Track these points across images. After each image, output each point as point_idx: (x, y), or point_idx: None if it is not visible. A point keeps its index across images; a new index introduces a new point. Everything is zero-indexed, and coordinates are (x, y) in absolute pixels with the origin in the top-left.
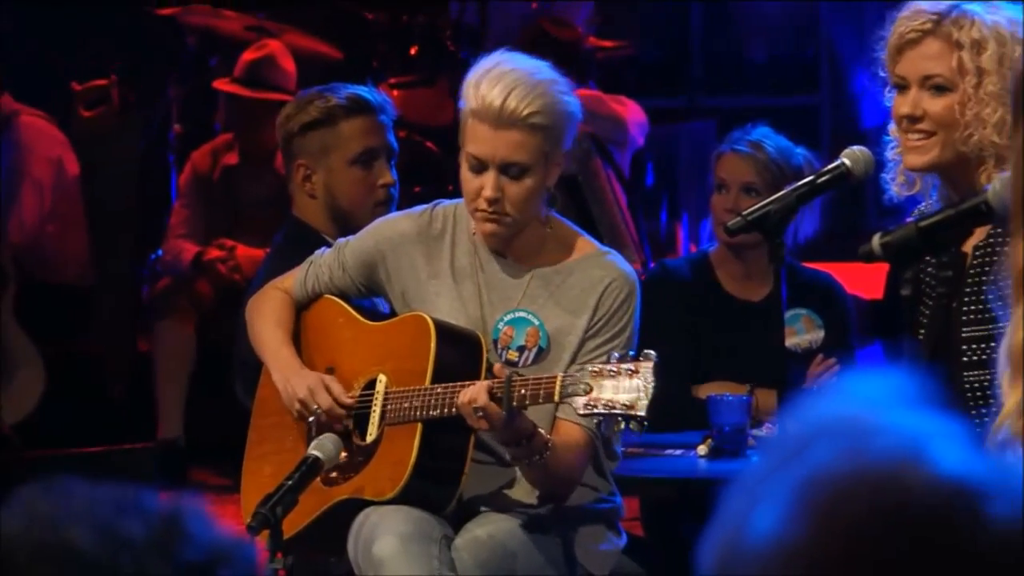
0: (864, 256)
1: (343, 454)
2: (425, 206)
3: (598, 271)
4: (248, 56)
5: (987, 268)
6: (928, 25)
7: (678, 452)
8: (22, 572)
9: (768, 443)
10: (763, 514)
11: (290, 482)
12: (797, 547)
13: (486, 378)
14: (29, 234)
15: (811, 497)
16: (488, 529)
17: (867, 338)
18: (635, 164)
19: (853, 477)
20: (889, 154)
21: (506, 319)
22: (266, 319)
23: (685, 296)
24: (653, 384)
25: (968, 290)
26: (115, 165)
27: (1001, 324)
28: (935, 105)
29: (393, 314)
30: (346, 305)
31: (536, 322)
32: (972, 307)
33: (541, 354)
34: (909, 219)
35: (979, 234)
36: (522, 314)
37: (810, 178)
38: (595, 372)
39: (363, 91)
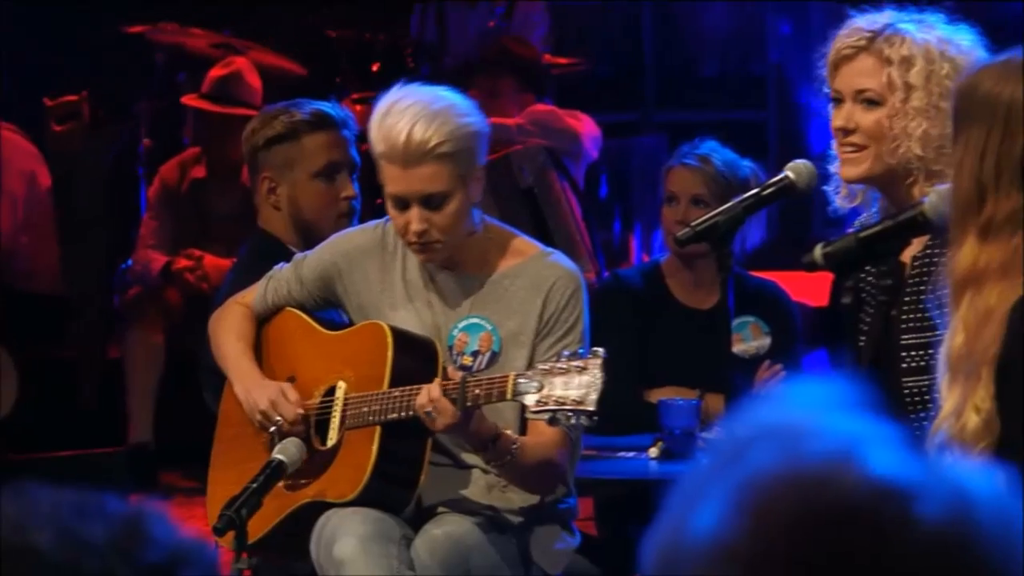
0: (807, 265)
1: (305, 458)
2: (378, 221)
3: (543, 272)
4: (215, 72)
5: (925, 277)
6: (862, 42)
7: (630, 454)
8: None
9: (711, 446)
10: (703, 514)
11: (255, 485)
12: (733, 546)
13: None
14: (2, 245)
15: (748, 497)
16: (446, 529)
17: (812, 345)
18: (589, 176)
19: (787, 478)
20: (833, 167)
21: (460, 326)
22: (228, 333)
23: (637, 304)
24: (602, 380)
25: (907, 299)
26: (86, 178)
27: (939, 331)
28: (866, 118)
29: (351, 324)
30: (305, 316)
31: (489, 327)
32: (911, 315)
33: (495, 357)
34: (850, 230)
35: (918, 244)
36: (475, 320)
37: (756, 190)
38: (546, 370)
39: (326, 106)
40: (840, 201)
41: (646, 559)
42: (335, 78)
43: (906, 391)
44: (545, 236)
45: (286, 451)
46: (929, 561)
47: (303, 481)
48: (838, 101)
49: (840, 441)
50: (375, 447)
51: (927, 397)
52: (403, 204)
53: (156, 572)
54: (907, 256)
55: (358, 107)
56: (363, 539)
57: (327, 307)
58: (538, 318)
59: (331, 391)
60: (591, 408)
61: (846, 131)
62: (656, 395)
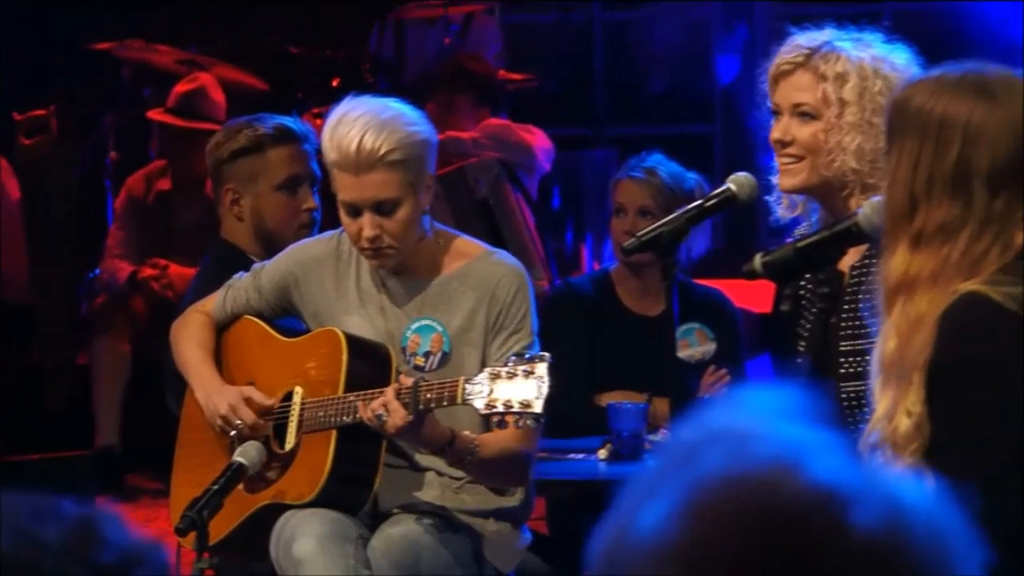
0: (747, 274)
1: (264, 461)
2: (332, 232)
3: (488, 271)
4: (180, 88)
5: (863, 286)
6: (800, 58)
7: (580, 456)
8: None
9: (660, 448)
10: (648, 514)
11: (216, 487)
12: (676, 546)
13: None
14: None
15: (693, 499)
16: (401, 529)
17: (756, 350)
18: (543, 188)
19: (731, 482)
20: (774, 179)
21: (412, 327)
22: (188, 340)
23: (588, 311)
24: (548, 383)
25: (846, 307)
26: (55, 190)
27: (875, 338)
28: (802, 132)
29: (308, 331)
30: (263, 324)
31: (439, 328)
32: (849, 322)
33: (446, 357)
34: (789, 240)
35: (856, 254)
36: (426, 322)
37: (699, 202)
38: (494, 374)
39: (288, 121)
40: (782, 211)
41: (592, 558)
42: (296, 93)
43: (844, 396)
44: (500, 245)
45: (246, 454)
46: (862, 566)
47: (262, 483)
48: (777, 114)
49: (785, 447)
50: (331, 450)
51: (863, 401)
52: (355, 211)
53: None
54: (845, 265)
55: (319, 121)
56: (321, 539)
57: (284, 315)
58: (486, 316)
59: (289, 396)
60: (538, 411)
61: (783, 143)
62: (606, 399)
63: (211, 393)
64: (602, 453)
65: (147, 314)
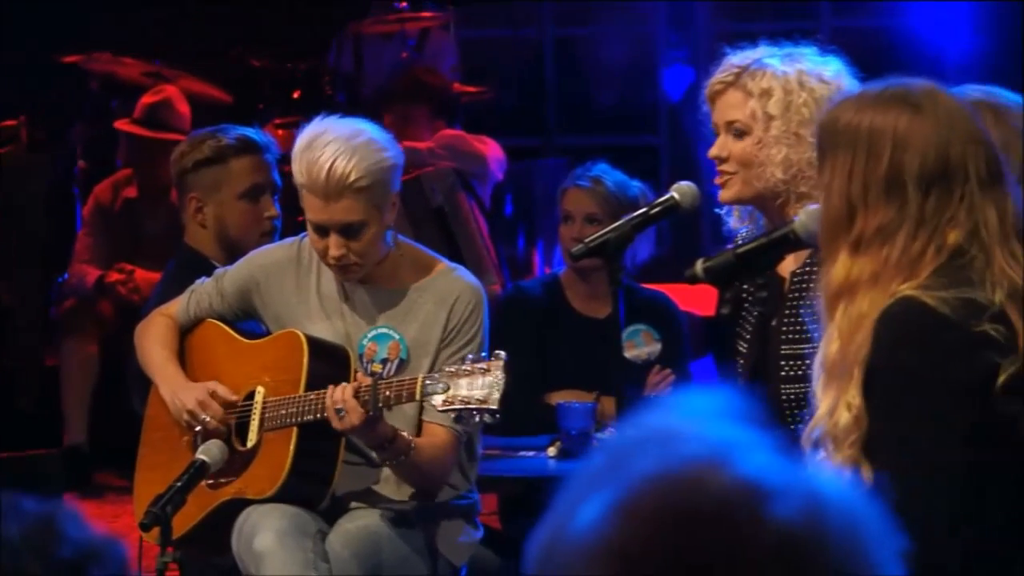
0: (689, 279)
1: (226, 459)
2: (294, 238)
3: (448, 286)
4: (146, 99)
5: (804, 291)
6: (731, 77)
7: (530, 454)
8: None
9: (595, 451)
10: (583, 513)
11: (179, 484)
12: (609, 544)
13: None
14: None
15: (622, 498)
16: (358, 523)
17: (700, 352)
18: (495, 196)
19: (660, 480)
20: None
21: (370, 335)
22: (152, 342)
23: (538, 314)
24: (503, 380)
25: (787, 311)
26: (25, 197)
27: (815, 343)
28: (736, 147)
29: (269, 333)
30: (226, 327)
31: (396, 336)
32: (790, 327)
33: (402, 365)
34: (729, 246)
35: (797, 260)
36: (384, 330)
37: (644, 209)
38: (451, 372)
39: (250, 132)
40: (733, 222)
41: (531, 557)
42: (258, 105)
43: (784, 398)
44: (454, 251)
45: (208, 452)
46: (780, 557)
47: (224, 480)
48: (716, 132)
49: (714, 445)
50: (292, 447)
51: (803, 403)
52: (323, 231)
53: (68, 568)
54: (786, 271)
55: (280, 132)
56: (280, 533)
57: (246, 318)
58: (443, 328)
59: (251, 395)
60: (494, 407)
61: (720, 159)
62: (555, 398)
63: (177, 390)
64: (552, 451)
65: (114, 317)
